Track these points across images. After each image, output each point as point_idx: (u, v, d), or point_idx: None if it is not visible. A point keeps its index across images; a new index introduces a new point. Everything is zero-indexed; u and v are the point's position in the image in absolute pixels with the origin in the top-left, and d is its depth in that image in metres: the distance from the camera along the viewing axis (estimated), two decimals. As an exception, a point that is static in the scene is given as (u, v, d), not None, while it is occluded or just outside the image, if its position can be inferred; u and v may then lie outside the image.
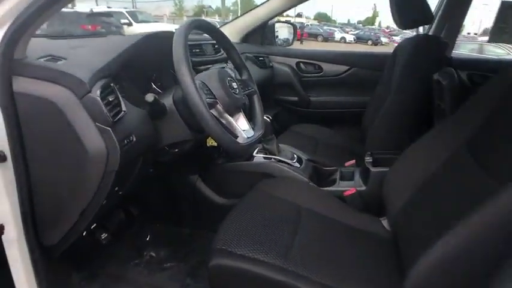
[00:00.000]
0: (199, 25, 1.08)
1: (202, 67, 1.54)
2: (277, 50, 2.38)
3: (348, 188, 1.42)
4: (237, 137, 1.08)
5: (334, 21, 56.78)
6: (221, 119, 1.08)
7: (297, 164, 1.50)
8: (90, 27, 9.13)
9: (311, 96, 2.35)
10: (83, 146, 0.89)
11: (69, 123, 0.88)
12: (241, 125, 1.14)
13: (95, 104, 0.89)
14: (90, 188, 0.94)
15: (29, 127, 0.89)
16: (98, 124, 0.90)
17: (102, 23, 9.50)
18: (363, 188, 1.41)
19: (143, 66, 1.29)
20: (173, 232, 1.70)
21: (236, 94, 1.12)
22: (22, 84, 0.87)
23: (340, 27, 32.73)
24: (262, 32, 2.31)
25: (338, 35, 25.67)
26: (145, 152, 1.12)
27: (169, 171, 1.55)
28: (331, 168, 1.60)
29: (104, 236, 1.34)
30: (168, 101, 1.13)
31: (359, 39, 25.85)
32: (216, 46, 1.77)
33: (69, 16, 8.90)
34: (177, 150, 1.19)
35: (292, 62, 2.32)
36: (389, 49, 2.12)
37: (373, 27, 46.97)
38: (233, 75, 1.17)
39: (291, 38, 2.53)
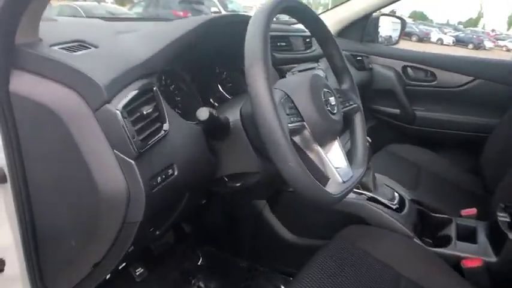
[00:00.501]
0: (288, 7, 0.72)
1: (287, 67, 1.19)
2: (380, 49, 1.94)
3: (469, 256, 1.00)
4: (328, 180, 0.72)
5: (431, 21, 52.94)
6: (306, 152, 0.72)
7: (397, 207, 1.12)
8: (181, 13, 9.21)
9: (417, 110, 1.88)
10: (92, 181, 0.60)
11: (75, 146, 0.59)
12: (335, 159, 0.78)
13: (113, 122, 0.60)
14: (103, 239, 0.66)
15: (28, 142, 0.62)
16: (116, 152, 0.60)
17: (192, 10, 9.54)
18: (493, 259, 0.98)
19: (208, 61, 0.98)
20: (229, 261, 1.44)
21: (333, 114, 0.75)
22: (21, 82, 0.60)
23: (438, 28, 30.28)
24: (364, 27, 1.89)
25: (435, 36, 23.69)
26: (194, 188, 0.81)
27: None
28: (442, 216, 1.18)
29: (138, 271, 1.06)
30: (233, 115, 0.80)
31: (458, 42, 23.73)
32: (307, 40, 1.40)
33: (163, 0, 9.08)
34: (238, 184, 0.86)
35: (398, 65, 1.88)
36: (494, 55, 1.57)
37: (476, 29, 42.90)
38: (328, 83, 0.80)
39: (396, 35, 2.07)
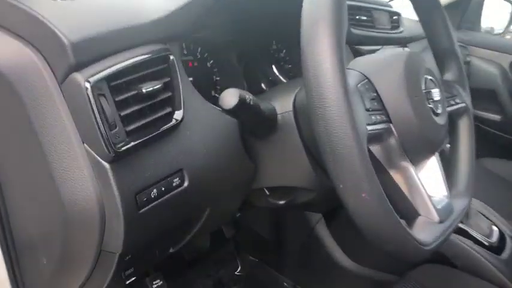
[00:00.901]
0: None
1: (366, 48, 0.92)
2: (483, 39, 1.60)
3: None
4: (416, 216, 0.47)
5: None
6: (389, 171, 0.47)
7: (495, 246, 0.86)
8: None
9: (525, 118, 1.52)
10: (55, 190, 0.41)
11: (34, 135, 0.41)
12: (430, 184, 0.51)
13: (80, 100, 0.39)
14: (76, 265, 0.46)
15: None
16: (88, 149, 0.40)
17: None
18: None
19: (262, 33, 0.76)
20: (271, 277, 1.23)
21: (437, 115, 0.49)
22: None
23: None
24: (464, 10, 1.56)
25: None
26: (218, 202, 0.59)
27: None
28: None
29: (156, 284, 0.88)
30: (283, 104, 0.56)
31: None
32: (394, 18, 1.11)
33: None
34: (282, 202, 0.62)
35: (505, 60, 1.52)
36: None
37: None
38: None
39: (504, 24, 1.71)
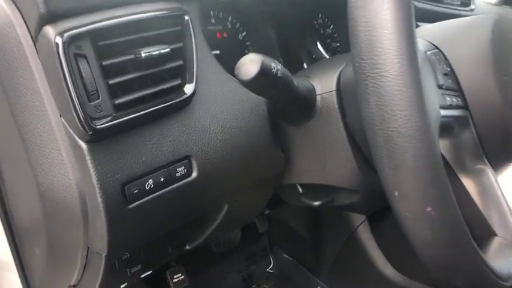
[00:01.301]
0: None
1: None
2: None
3: None
4: (492, 238, 0.36)
5: None
6: (459, 175, 0.35)
7: None
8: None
9: None
10: (31, 174, 0.34)
11: (6, 105, 0.34)
12: (510, 197, 0.39)
13: (53, 61, 0.31)
14: (67, 261, 0.39)
15: None
16: (65, 124, 0.33)
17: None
18: None
19: (305, 4, 0.65)
20: (305, 278, 1.13)
21: None
22: None
23: None
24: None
25: None
26: (239, 196, 0.49)
27: None
28: None
29: (177, 278, 0.80)
30: (325, 83, 0.45)
31: None
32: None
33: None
34: (318, 203, 0.51)
35: None
36: None
37: None
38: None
39: None
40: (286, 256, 1.19)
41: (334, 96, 0.44)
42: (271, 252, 1.20)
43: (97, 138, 0.33)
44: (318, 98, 0.45)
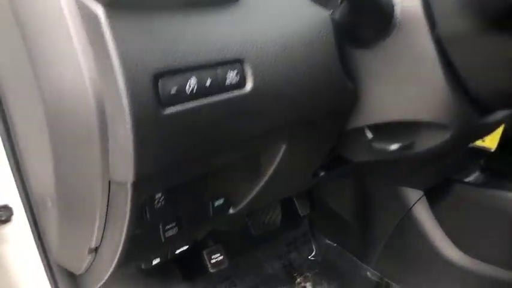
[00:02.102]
0: None
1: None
2: None
3: None
4: None
5: None
6: None
7: None
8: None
9: None
10: (29, 61, 0.26)
11: None
12: None
13: None
14: (84, 205, 0.31)
15: None
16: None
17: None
18: None
19: None
20: (351, 266, 1.04)
21: None
22: None
23: None
24: None
25: None
26: (297, 131, 0.40)
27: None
28: None
29: (215, 258, 0.73)
30: None
31: None
32: None
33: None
34: (396, 146, 0.41)
35: None
36: None
37: None
38: None
39: None
40: (329, 242, 1.10)
41: (419, 6, 0.35)
42: (313, 238, 1.12)
43: (118, 3, 0.24)
44: (397, 10, 0.36)
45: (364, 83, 0.40)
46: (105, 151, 0.26)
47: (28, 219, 0.47)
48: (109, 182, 0.28)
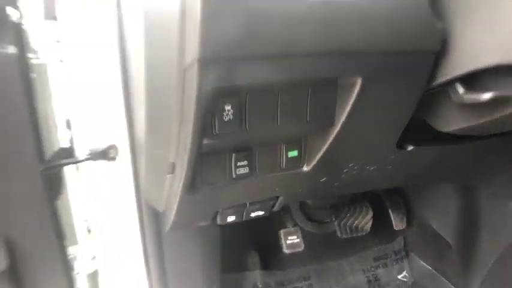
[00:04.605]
0: None
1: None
2: None
3: None
4: None
5: None
6: None
7: None
8: None
9: None
10: None
11: None
12: None
13: None
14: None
15: None
16: None
17: None
18: None
19: None
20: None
21: None
22: None
23: None
24: None
25: None
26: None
27: None
28: None
29: (292, 240, 0.72)
30: None
31: None
32: None
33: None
34: (492, 93, 0.35)
35: None
36: None
37: None
38: None
39: None
40: (424, 264, 0.99)
41: None
42: (406, 257, 1.02)
43: None
44: None
45: (455, 22, 0.35)
46: (183, 33, 0.29)
47: (131, 159, 0.53)
48: (184, 72, 0.30)
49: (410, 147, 0.48)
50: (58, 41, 0.54)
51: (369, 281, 0.99)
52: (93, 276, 0.72)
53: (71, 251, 0.66)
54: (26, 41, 0.47)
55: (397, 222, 1.00)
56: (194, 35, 0.28)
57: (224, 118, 0.34)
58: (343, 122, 0.39)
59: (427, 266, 0.98)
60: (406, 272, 1.01)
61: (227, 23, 0.28)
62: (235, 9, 0.28)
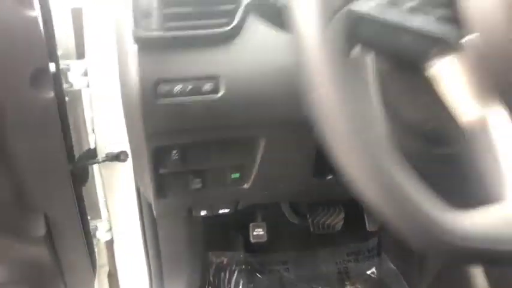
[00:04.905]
0: None
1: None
2: None
3: None
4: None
5: None
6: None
7: None
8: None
9: None
10: None
11: None
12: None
13: None
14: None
15: None
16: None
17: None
18: None
19: None
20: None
21: None
22: None
23: None
24: None
25: None
26: (271, 128, 0.55)
27: None
28: None
29: (257, 232, 0.88)
30: None
31: None
32: None
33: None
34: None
35: None
36: None
37: None
38: None
39: None
40: (391, 264, 1.11)
41: None
42: (378, 256, 1.13)
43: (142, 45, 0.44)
44: None
45: None
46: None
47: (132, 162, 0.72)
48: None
49: (329, 177, 0.63)
50: (85, 74, 0.74)
51: (339, 272, 1.10)
52: (110, 243, 0.94)
53: (93, 223, 0.88)
54: (62, 81, 0.67)
55: (370, 224, 1.11)
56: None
57: (172, 158, 0.53)
58: (259, 162, 0.57)
59: (393, 267, 1.10)
60: (375, 269, 1.12)
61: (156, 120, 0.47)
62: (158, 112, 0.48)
